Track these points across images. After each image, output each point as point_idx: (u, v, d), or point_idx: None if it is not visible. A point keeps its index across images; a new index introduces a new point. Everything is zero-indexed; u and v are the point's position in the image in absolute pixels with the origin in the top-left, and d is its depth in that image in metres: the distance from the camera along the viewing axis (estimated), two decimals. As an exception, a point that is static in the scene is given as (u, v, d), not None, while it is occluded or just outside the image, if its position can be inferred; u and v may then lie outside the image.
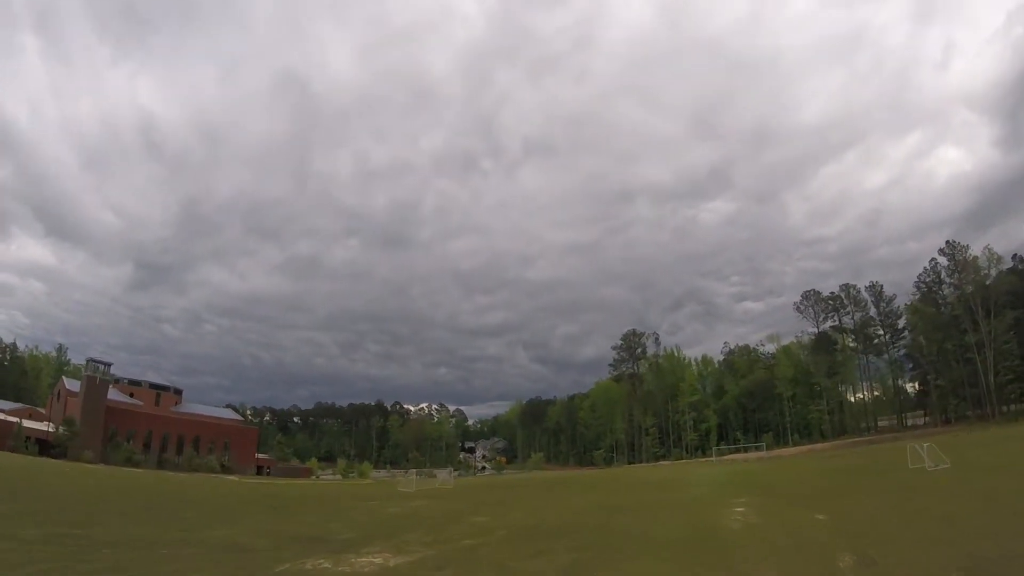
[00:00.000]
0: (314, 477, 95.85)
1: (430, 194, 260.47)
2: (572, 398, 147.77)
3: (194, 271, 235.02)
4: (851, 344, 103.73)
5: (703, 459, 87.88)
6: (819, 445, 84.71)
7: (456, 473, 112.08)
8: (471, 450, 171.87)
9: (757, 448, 78.38)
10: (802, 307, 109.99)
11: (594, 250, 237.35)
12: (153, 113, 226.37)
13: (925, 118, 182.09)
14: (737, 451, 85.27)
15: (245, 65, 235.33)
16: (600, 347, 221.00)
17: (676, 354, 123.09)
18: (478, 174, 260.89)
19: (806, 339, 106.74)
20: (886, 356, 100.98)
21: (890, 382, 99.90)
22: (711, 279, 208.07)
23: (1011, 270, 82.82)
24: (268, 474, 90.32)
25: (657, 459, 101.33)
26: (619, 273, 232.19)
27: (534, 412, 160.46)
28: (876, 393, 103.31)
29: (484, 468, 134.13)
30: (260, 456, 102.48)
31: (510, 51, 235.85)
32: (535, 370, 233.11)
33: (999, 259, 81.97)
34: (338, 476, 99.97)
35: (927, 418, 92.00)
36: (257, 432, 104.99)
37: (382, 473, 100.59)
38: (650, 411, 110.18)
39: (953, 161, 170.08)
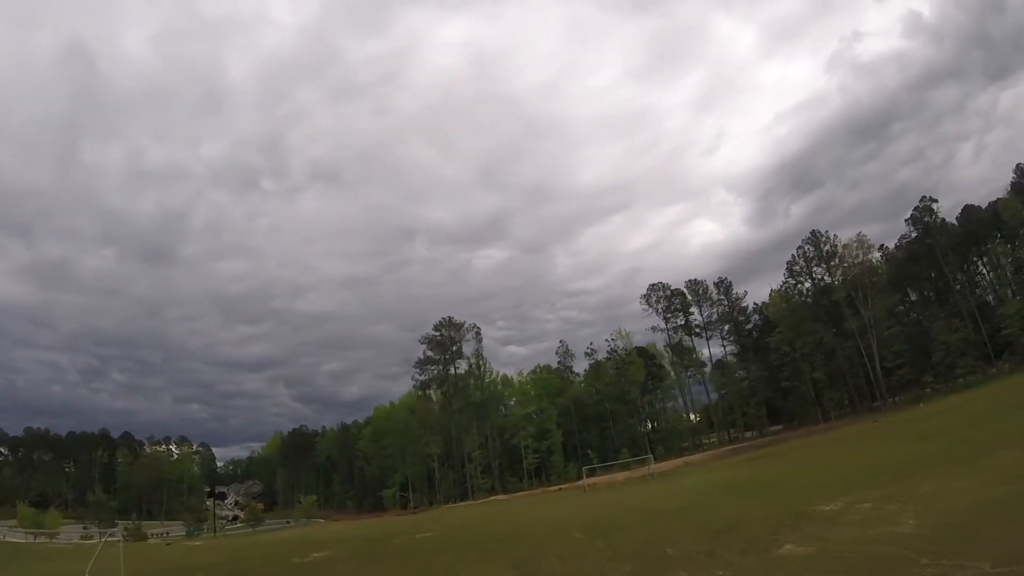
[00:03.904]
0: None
1: (203, 207, 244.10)
2: (347, 427, 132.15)
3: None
4: (670, 358, 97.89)
5: (556, 488, 67.52)
6: (694, 457, 71.88)
7: (181, 533, 77.56)
8: (222, 495, 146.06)
9: (642, 463, 61.38)
10: (651, 300, 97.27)
11: (369, 285, 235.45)
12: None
13: (688, 194, 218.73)
14: (593, 473, 65.90)
15: (29, 27, 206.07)
16: (366, 387, 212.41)
17: (481, 365, 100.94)
18: (257, 193, 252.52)
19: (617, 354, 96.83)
20: (713, 364, 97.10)
21: (742, 385, 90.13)
22: (479, 322, 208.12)
23: (887, 257, 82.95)
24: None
25: (488, 493, 78.21)
26: (391, 311, 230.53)
27: (299, 446, 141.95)
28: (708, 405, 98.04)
29: (236, 519, 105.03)
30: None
31: (315, 70, 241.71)
32: (296, 409, 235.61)
33: (870, 246, 79.61)
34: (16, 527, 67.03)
35: (793, 422, 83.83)
36: None
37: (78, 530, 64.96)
38: (473, 429, 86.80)
39: (707, 232, 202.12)
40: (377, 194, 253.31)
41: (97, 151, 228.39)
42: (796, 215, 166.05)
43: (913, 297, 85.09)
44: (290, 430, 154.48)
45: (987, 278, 78.98)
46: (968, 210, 77.71)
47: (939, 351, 65.09)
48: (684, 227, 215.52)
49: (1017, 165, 72.15)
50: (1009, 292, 71.17)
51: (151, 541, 65.02)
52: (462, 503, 74.95)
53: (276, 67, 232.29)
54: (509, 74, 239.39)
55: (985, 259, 77.75)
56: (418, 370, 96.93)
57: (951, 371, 63.24)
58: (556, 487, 69.21)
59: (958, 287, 76.70)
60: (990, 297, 75.62)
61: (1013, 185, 71.74)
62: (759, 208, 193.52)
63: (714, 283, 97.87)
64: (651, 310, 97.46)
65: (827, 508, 17.23)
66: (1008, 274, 73.14)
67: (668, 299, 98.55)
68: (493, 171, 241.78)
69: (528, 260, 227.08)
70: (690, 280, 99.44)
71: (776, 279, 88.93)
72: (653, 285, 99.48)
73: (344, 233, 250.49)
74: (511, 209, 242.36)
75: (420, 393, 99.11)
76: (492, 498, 71.41)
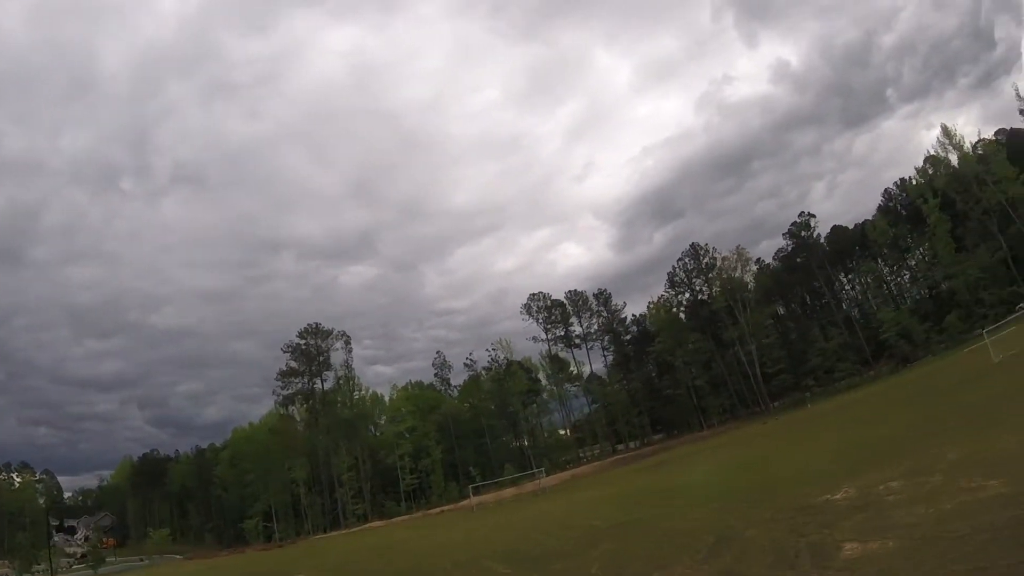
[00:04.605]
0: None
1: (58, 205, 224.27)
2: (203, 451, 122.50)
3: None
4: (547, 371, 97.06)
5: (438, 510, 62.61)
6: (580, 470, 70.47)
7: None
8: (71, 530, 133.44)
9: (531, 478, 59.63)
10: (531, 310, 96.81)
11: (230, 300, 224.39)
12: None
13: (557, 218, 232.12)
14: (478, 491, 61.51)
15: None
16: (226, 409, 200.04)
17: (350, 378, 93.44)
18: (116, 193, 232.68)
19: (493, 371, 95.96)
20: (588, 376, 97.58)
21: (622, 396, 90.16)
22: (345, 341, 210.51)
23: (761, 269, 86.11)
24: None
25: (361, 520, 71.14)
26: (254, 328, 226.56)
27: (150, 472, 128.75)
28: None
29: (84, 556, 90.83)
30: None
31: (191, 64, 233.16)
32: (151, 434, 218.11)
33: (748, 259, 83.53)
34: None
35: (674, 430, 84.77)
36: None
37: None
38: (342, 449, 79.23)
39: (574, 255, 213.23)
40: (244, 202, 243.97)
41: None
42: (658, 242, 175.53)
43: (782, 311, 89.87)
44: (140, 455, 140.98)
45: (850, 293, 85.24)
46: (836, 230, 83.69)
47: (817, 356, 68.00)
48: (552, 250, 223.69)
49: (885, 190, 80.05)
50: (873, 305, 76.59)
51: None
52: (334, 532, 67.48)
53: (150, 57, 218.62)
54: (390, 87, 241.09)
55: (851, 275, 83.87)
56: (281, 383, 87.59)
57: (830, 375, 66.19)
58: (438, 509, 63.94)
59: (824, 301, 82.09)
60: (855, 311, 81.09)
61: (880, 208, 78.42)
62: (623, 234, 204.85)
63: (593, 295, 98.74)
64: (531, 320, 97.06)
65: (838, 497, 13.72)
66: (871, 288, 78.96)
67: (548, 310, 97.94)
68: (366, 185, 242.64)
69: (397, 278, 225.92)
70: (570, 291, 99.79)
71: (639, 300, 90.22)
72: (533, 295, 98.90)
73: (206, 242, 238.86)
74: (382, 225, 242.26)
75: (282, 411, 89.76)
76: (367, 525, 64.55)
